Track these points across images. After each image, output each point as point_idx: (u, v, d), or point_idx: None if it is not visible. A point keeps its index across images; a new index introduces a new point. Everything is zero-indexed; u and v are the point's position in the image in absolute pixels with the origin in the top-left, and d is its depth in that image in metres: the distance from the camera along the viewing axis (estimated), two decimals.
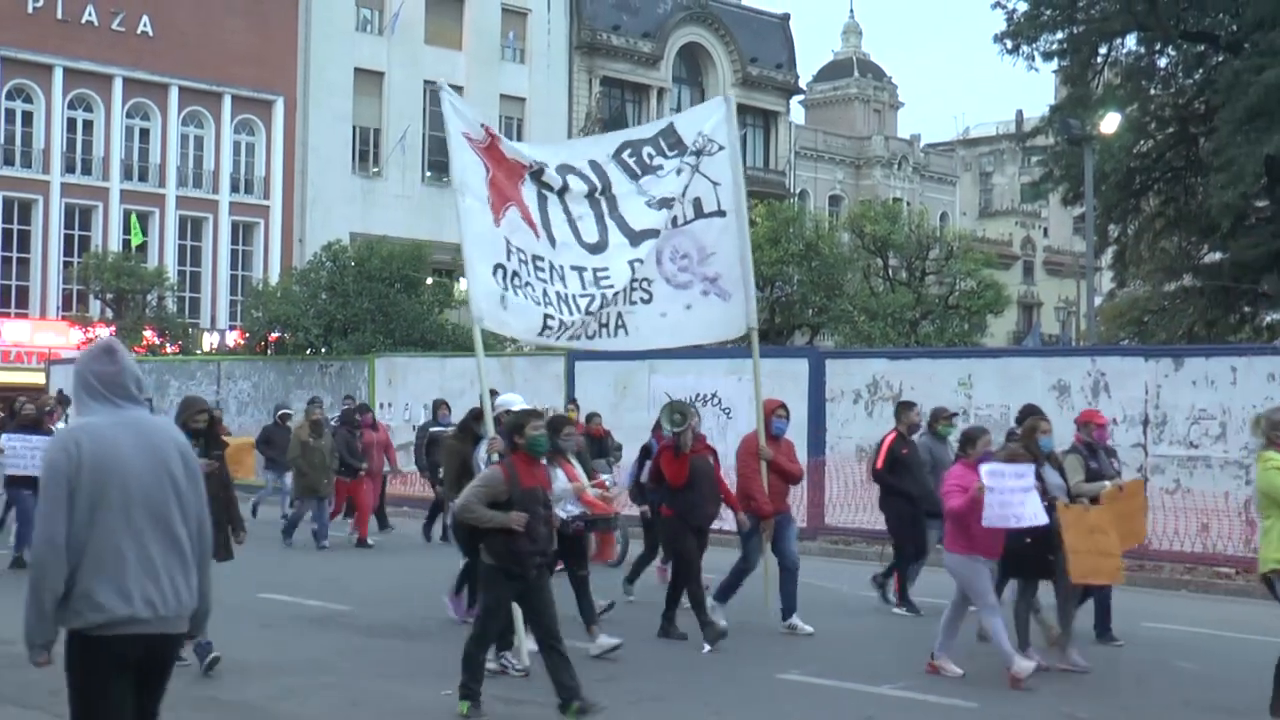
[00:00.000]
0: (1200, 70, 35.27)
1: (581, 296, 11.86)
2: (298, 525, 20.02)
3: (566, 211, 12.08)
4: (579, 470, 12.01)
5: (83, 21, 46.88)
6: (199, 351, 39.20)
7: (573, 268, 11.91)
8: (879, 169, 72.14)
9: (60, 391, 26.89)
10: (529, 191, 11.89)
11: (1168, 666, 11.73)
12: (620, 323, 12.34)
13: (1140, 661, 11.99)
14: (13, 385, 34.40)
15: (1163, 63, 36.62)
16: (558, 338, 11.90)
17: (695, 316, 12.81)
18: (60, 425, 17.72)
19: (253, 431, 28.90)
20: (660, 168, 12.54)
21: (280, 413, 23.55)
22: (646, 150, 12.57)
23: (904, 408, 14.88)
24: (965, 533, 10.65)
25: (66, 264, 45.92)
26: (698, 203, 12.75)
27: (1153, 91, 36.48)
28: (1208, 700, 10.36)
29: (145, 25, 48.12)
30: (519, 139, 57.37)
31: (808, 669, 11.28)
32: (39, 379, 36.22)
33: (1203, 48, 35.13)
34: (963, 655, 11.29)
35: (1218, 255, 36.64)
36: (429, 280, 35.98)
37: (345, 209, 50.78)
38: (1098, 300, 38.71)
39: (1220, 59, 33.89)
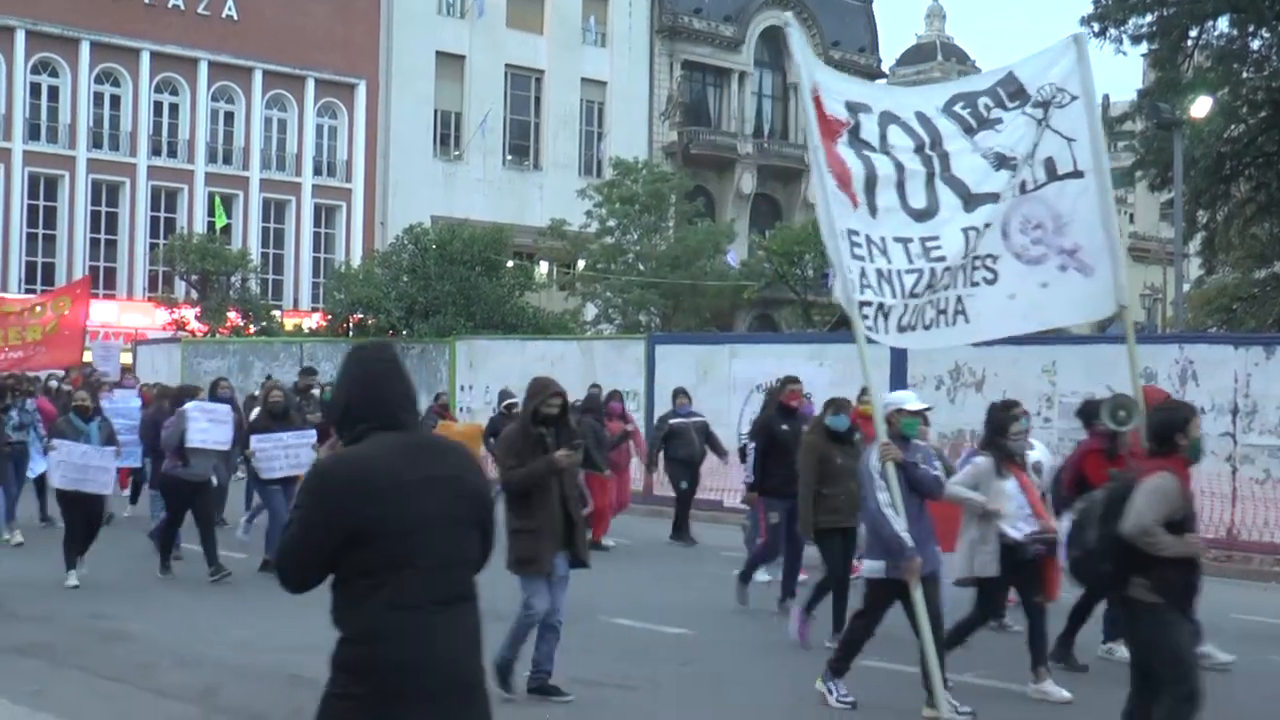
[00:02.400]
0: None
1: (908, 273, 9.97)
2: None
3: (897, 168, 10.14)
4: (1034, 479, 10.34)
5: (169, 6, 47.42)
6: (281, 332, 39.56)
7: (896, 239, 10.03)
8: None
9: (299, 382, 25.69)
10: (847, 151, 10.19)
11: (1257, 659, 11.53)
12: (960, 308, 10.30)
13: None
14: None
15: (1255, 45, 35.91)
16: (885, 330, 9.89)
17: (1053, 296, 10.64)
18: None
19: None
20: (999, 121, 10.55)
21: (506, 402, 20.38)
22: (982, 101, 10.62)
23: None
24: None
25: (153, 246, 46.49)
26: (1050, 163, 10.58)
27: (1245, 75, 35.79)
28: None
29: (230, 9, 48.60)
30: (599, 125, 57.59)
31: (886, 654, 11.17)
32: (126, 359, 36.70)
33: None
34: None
35: None
36: (510, 263, 36.09)
37: (426, 192, 51.03)
38: (1185, 287, 38.18)
39: None
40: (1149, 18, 35.47)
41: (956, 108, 10.50)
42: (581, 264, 46.00)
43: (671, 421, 18.47)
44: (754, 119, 62.34)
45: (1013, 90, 10.55)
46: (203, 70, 48.22)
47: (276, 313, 42.74)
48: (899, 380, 20.78)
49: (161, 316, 41.35)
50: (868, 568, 9.49)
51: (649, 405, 23.38)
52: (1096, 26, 35.52)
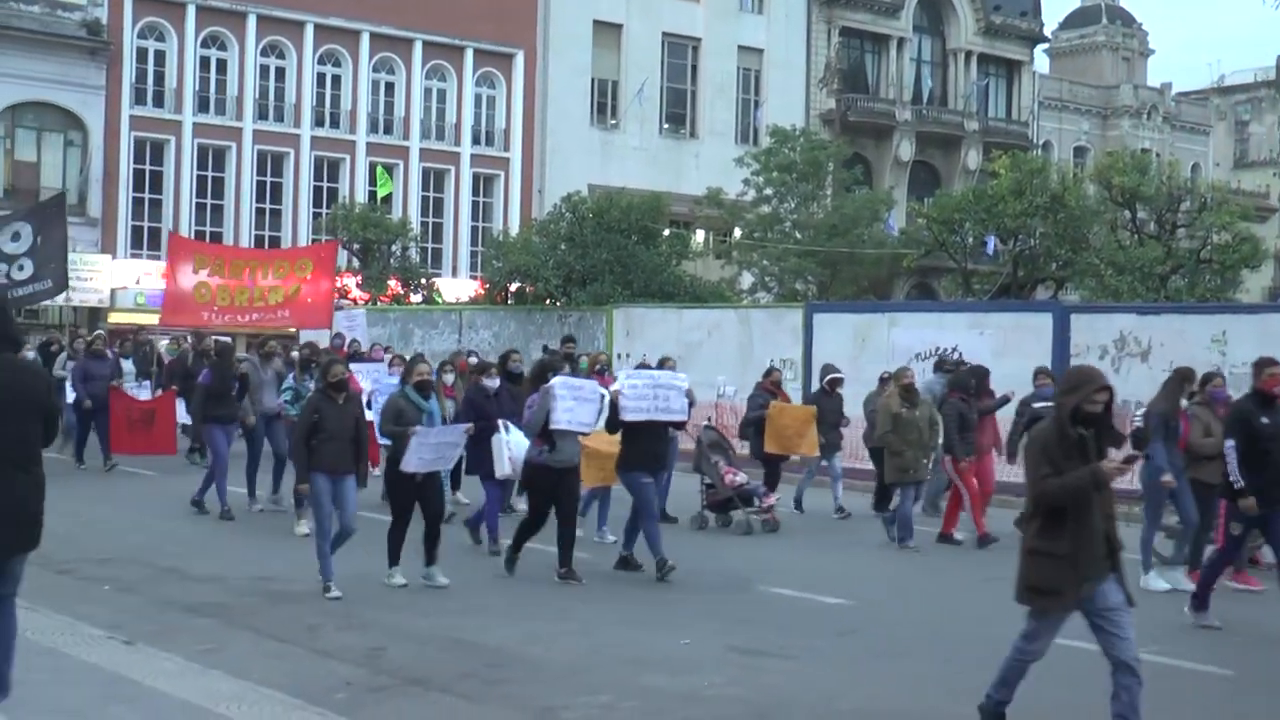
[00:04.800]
0: None
1: None
2: (910, 521, 15.83)
3: None
4: None
5: None
6: (440, 300, 40.07)
7: None
8: (1127, 119, 69.86)
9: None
10: None
11: None
12: None
13: None
14: (263, 332, 35.58)
15: None
16: None
17: None
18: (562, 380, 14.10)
19: None
20: None
21: (829, 377, 18.81)
22: None
23: None
24: None
25: (315, 215, 47.32)
26: None
27: None
28: None
29: None
30: (756, 92, 57.26)
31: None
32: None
33: None
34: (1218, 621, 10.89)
35: None
36: (666, 232, 36.12)
37: (583, 161, 51.20)
38: None
39: None
40: None
41: None
42: (738, 232, 45.86)
43: (1035, 405, 16.17)
44: (912, 85, 61.51)
45: None
46: (364, 42, 48.88)
47: (434, 280, 43.24)
48: (1061, 350, 20.43)
49: (324, 285, 42.00)
50: None
51: (806, 374, 23.30)
52: None
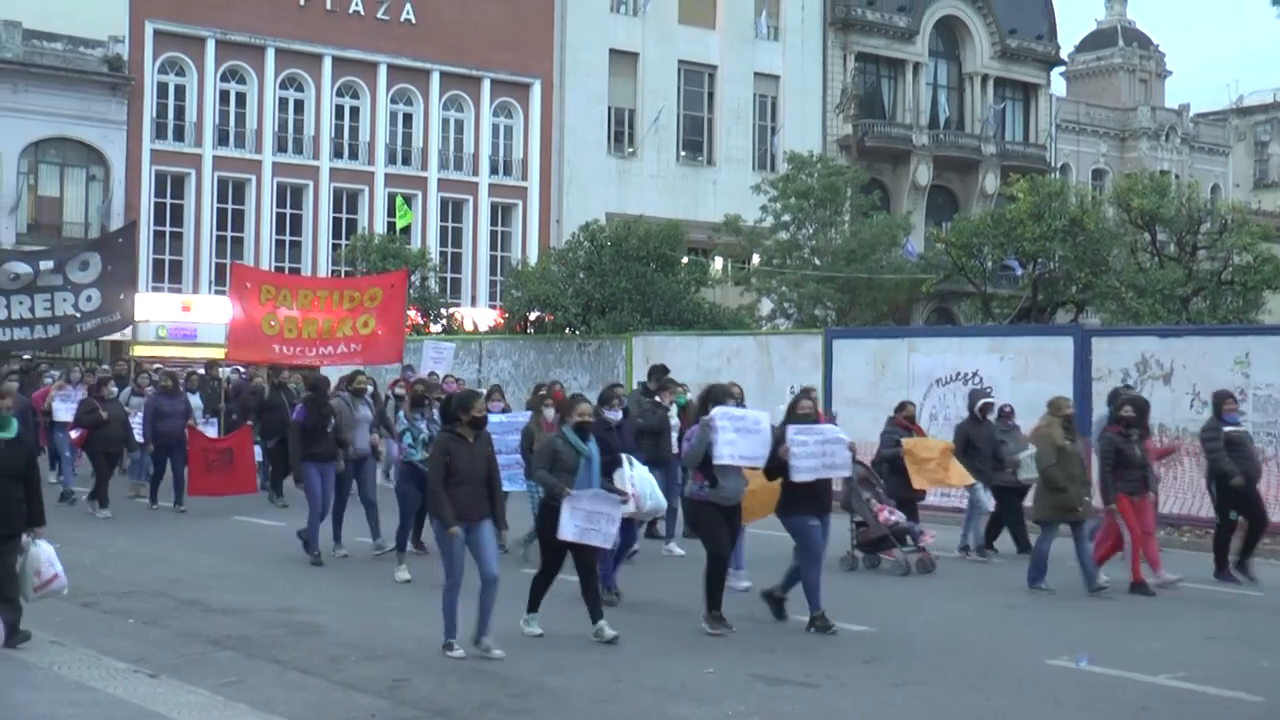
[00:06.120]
0: None
1: None
2: (1045, 561, 14.45)
3: None
4: None
5: (350, 12, 48.39)
6: (459, 330, 40.10)
7: None
8: (1145, 141, 69.80)
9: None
10: None
11: None
12: None
13: None
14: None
15: None
16: None
17: None
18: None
19: None
20: None
21: (980, 403, 17.59)
22: None
23: None
24: None
25: (335, 246, 47.47)
26: None
27: None
28: None
29: (408, 13, 49.44)
30: (773, 119, 57.37)
31: (1078, 656, 10.96)
32: None
33: None
34: (1242, 645, 10.82)
35: None
36: (685, 259, 36.12)
37: (601, 189, 51.34)
38: None
39: None
40: None
41: None
42: (756, 259, 45.91)
43: (1226, 429, 15.17)
44: (929, 110, 61.60)
45: None
46: (382, 73, 49.14)
47: (454, 310, 43.33)
48: (1082, 374, 20.35)
49: None
50: None
51: (826, 400, 23.27)
52: None
